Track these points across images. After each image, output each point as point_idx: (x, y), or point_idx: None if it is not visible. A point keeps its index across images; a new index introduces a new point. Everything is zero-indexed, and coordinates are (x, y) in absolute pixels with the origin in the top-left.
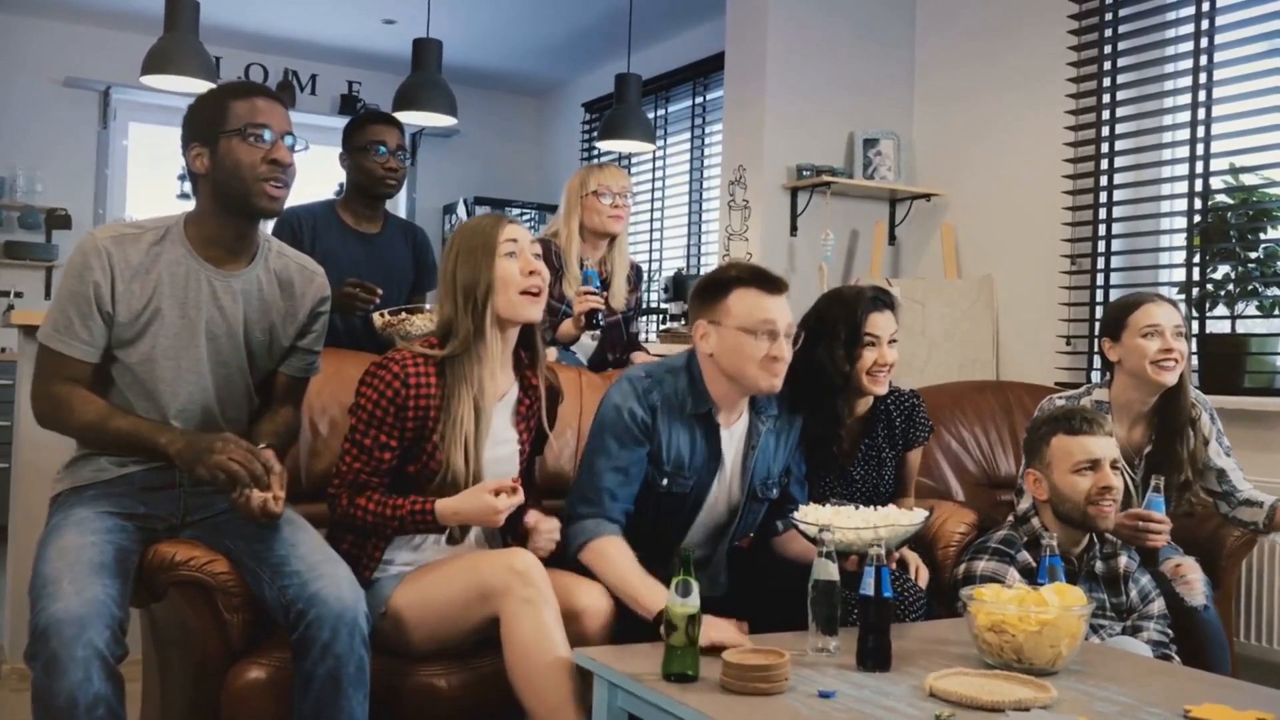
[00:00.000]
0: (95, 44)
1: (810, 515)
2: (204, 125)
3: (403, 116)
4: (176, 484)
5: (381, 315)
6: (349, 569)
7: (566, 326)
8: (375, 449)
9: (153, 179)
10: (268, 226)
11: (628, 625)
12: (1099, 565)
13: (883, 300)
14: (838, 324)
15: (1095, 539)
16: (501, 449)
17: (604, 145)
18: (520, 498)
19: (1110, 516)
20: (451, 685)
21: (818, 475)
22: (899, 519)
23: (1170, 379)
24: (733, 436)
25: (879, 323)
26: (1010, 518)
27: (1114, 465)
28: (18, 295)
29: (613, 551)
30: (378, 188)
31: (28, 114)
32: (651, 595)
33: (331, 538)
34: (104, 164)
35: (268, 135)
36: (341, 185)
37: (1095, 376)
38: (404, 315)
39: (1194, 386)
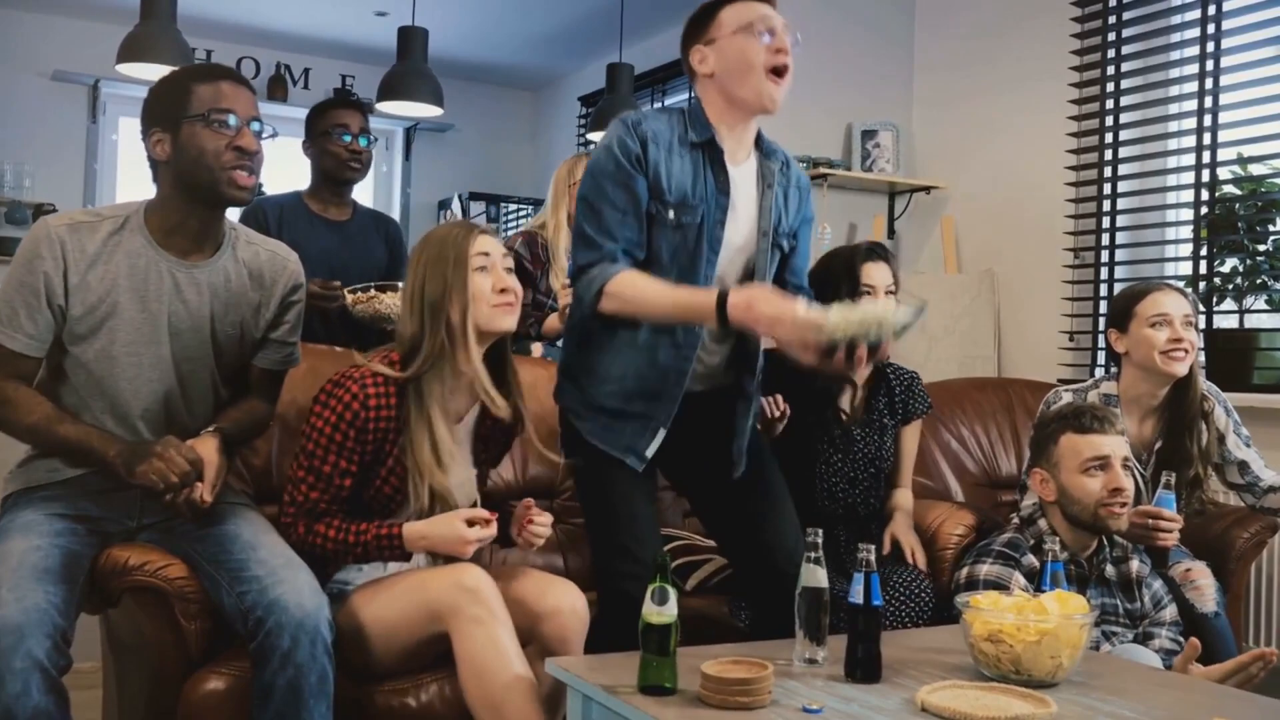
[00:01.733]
0: (83, 37)
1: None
2: (165, 110)
3: (390, 107)
4: (131, 485)
5: (351, 292)
6: (311, 574)
7: (552, 321)
8: (335, 475)
9: (142, 174)
10: (236, 215)
11: (609, 626)
12: (1110, 569)
13: (877, 252)
14: (839, 278)
15: (1105, 541)
16: (462, 471)
17: (596, 137)
18: (494, 530)
19: (1123, 518)
20: (421, 703)
21: (821, 434)
22: (887, 307)
23: (1181, 369)
24: (743, 175)
25: (873, 273)
26: (1014, 519)
27: (1125, 465)
28: None
29: (634, 279)
30: (342, 172)
31: (15, 108)
32: (704, 293)
33: None
34: (93, 158)
35: (232, 121)
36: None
37: (1099, 372)
38: (374, 293)
39: (1203, 379)
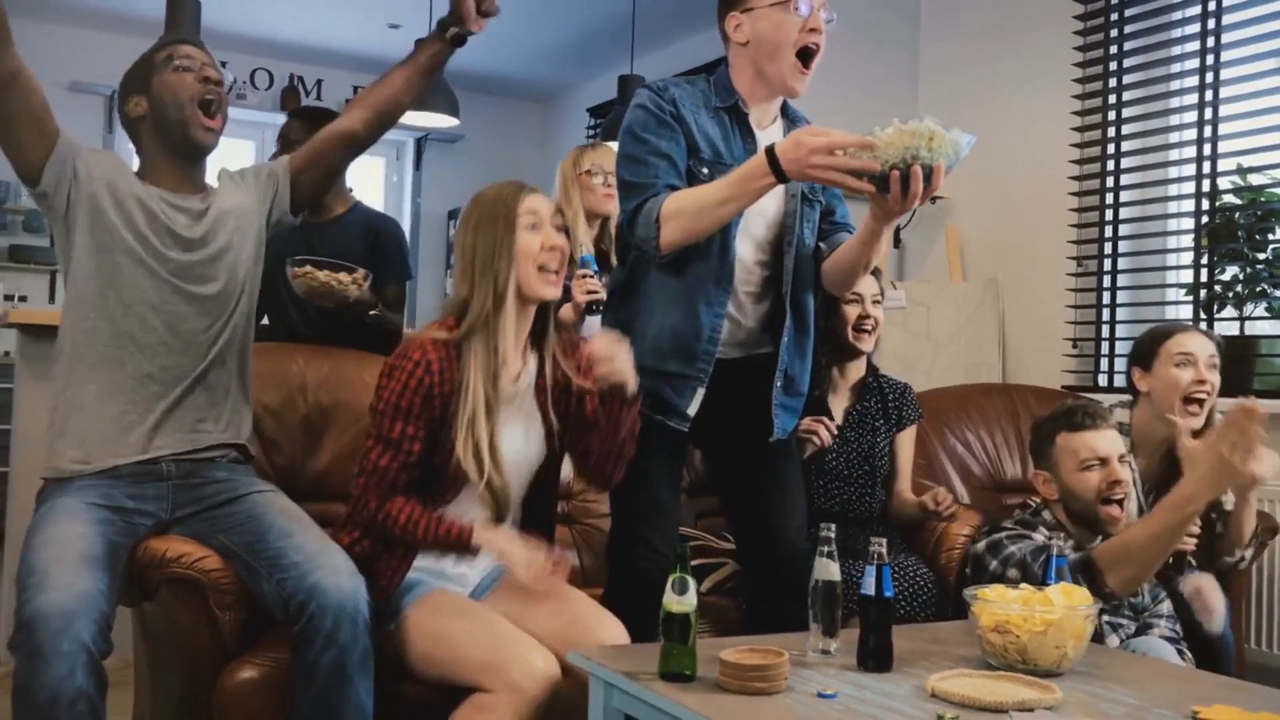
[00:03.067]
0: (101, 48)
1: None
2: (137, 76)
3: (406, 117)
4: (165, 476)
5: (293, 264)
6: (346, 557)
7: (565, 312)
8: (404, 441)
9: None
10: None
11: (619, 600)
12: None
13: None
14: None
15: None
16: (517, 431)
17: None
18: (562, 578)
19: (1121, 520)
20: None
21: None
22: (934, 126)
23: (1196, 423)
24: (769, 138)
25: (860, 283)
26: (1018, 511)
27: (1121, 459)
28: (21, 299)
29: (683, 193)
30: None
31: None
32: (748, 165)
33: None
34: None
35: (194, 64)
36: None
37: (1102, 379)
38: (309, 268)
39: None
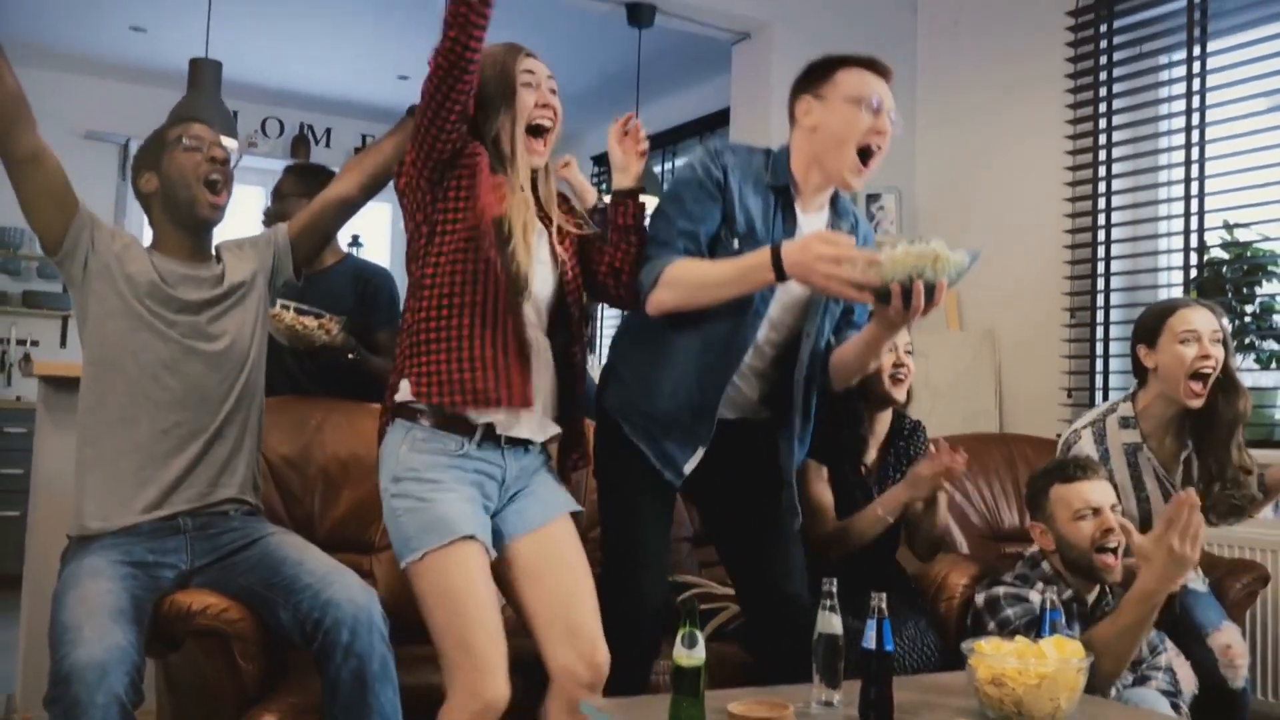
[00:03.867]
0: (116, 98)
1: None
2: (149, 154)
3: None
4: (182, 530)
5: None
6: (357, 576)
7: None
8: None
9: None
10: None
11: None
12: None
13: None
14: None
15: (1108, 589)
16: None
17: None
18: None
19: (1116, 569)
20: None
21: (845, 488)
22: (942, 246)
23: (1196, 403)
24: (811, 225)
25: None
26: (1019, 562)
27: (1113, 507)
28: (34, 344)
29: (689, 262)
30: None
31: None
32: (759, 252)
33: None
34: (122, 214)
35: (202, 144)
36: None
37: None
38: (277, 311)
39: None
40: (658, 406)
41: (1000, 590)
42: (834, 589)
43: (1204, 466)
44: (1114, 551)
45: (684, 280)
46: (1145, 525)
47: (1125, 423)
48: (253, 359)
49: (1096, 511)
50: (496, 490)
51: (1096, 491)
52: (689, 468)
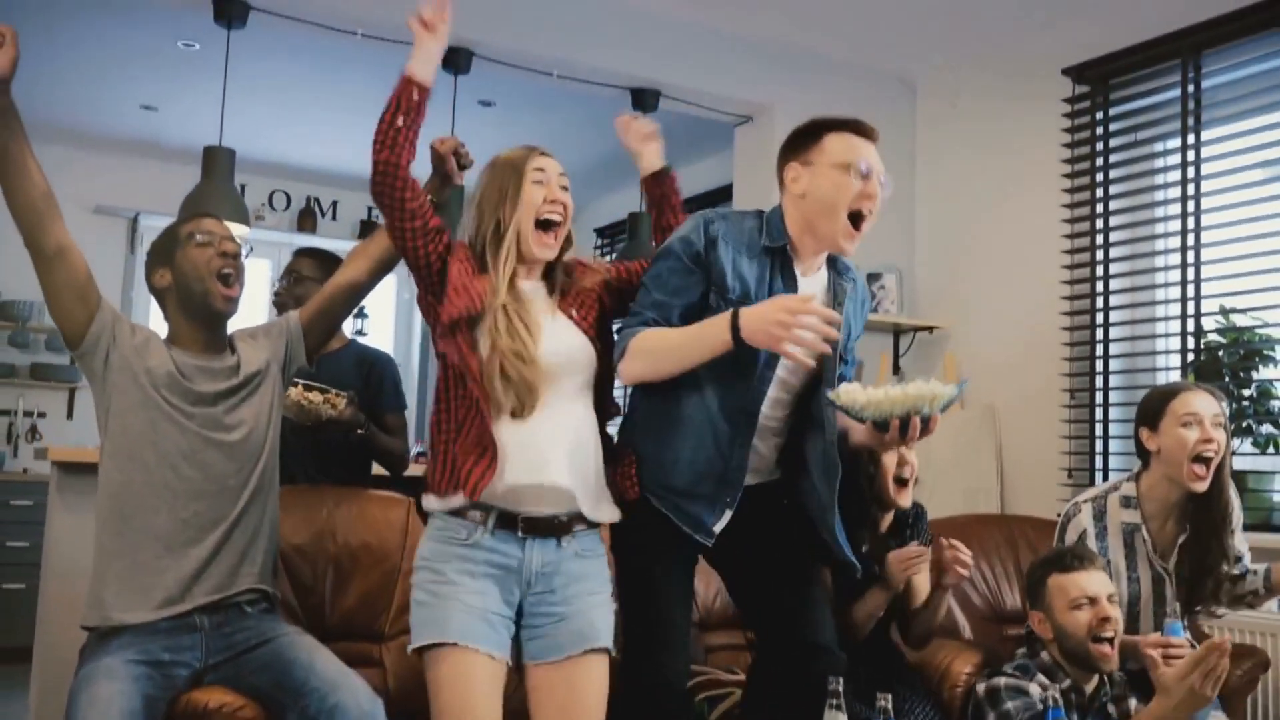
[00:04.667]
0: (124, 173)
1: (847, 394)
2: (162, 250)
3: None
4: (198, 628)
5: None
6: (364, 681)
7: None
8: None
9: None
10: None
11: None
12: (1110, 707)
13: None
14: None
15: (1106, 679)
16: (561, 336)
17: None
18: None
19: (1112, 659)
20: None
21: (850, 583)
22: (936, 385)
23: (1200, 487)
24: (811, 286)
25: None
26: (1021, 650)
27: (1110, 599)
28: (40, 415)
29: (653, 331)
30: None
31: None
32: (713, 320)
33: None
34: (130, 287)
35: (214, 239)
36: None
37: None
38: (300, 388)
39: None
40: (677, 481)
41: (1001, 681)
42: (840, 688)
43: (1199, 553)
44: (1110, 641)
45: (647, 349)
46: (1133, 606)
47: (1127, 502)
48: (268, 447)
49: (1093, 601)
50: (517, 584)
51: (1093, 581)
52: (719, 527)
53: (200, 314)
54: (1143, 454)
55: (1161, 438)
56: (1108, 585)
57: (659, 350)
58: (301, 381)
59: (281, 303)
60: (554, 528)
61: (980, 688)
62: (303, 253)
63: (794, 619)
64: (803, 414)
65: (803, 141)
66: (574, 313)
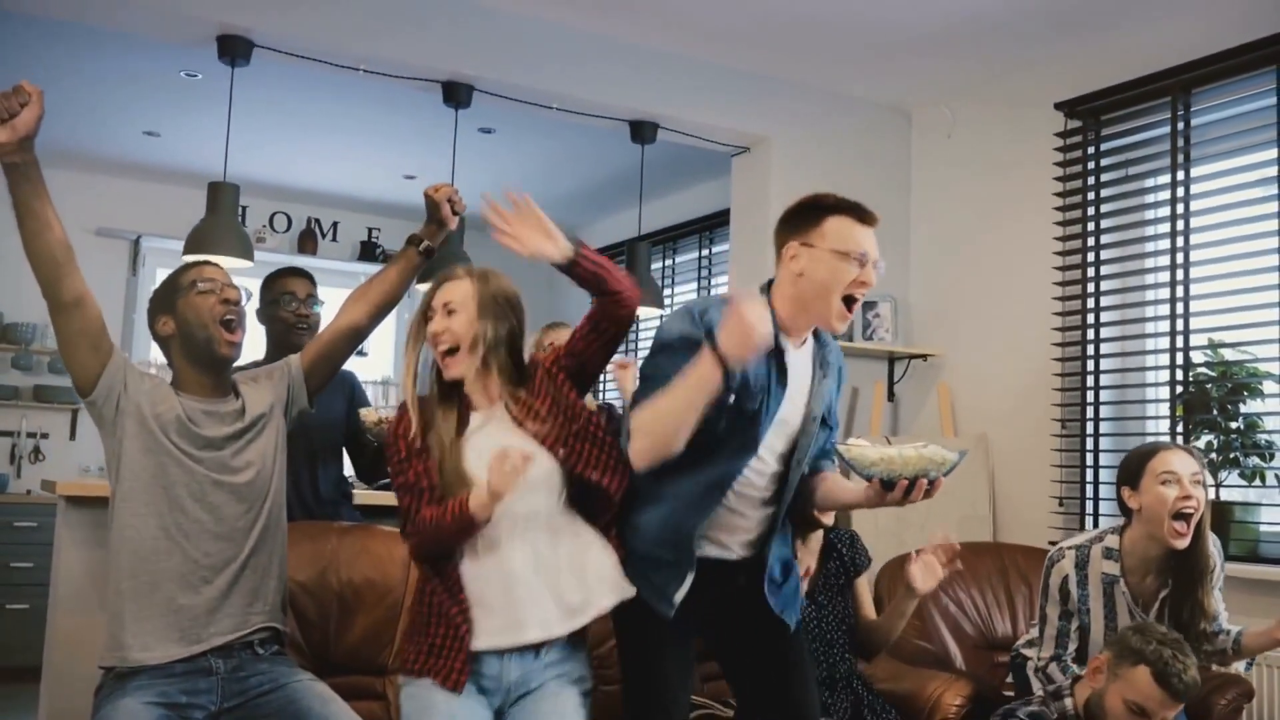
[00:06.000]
0: (126, 195)
1: (858, 449)
2: (164, 298)
3: (423, 287)
4: (214, 671)
5: (375, 412)
6: None
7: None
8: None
9: None
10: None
11: None
12: None
13: None
14: None
15: None
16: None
17: None
18: (526, 467)
19: (1185, 538)
20: None
21: None
22: (938, 450)
23: (1181, 544)
24: (799, 360)
25: None
26: (1042, 692)
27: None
28: (44, 436)
29: (645, 405)
30: (290, 335)
31: None
32: (701, 366)
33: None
34: (132, 309)
35: (215, 286)
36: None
37: None
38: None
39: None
40: (639, 547)
41: None
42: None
43: (1178, 607)
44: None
45: (647, 420)
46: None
47: (1109, 554)
48: (275, 486)
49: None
50: (497, 694)
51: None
52: (679, 597)
53: (204, 360)
54: (1125, 511)
55: (1142, 496)
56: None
57: (658, 414)
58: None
59: (304, 329)
60: (532, 647)
61: None
62: (302, 274)
63: (783, 707)
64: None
65: (804, 221)
66: (529, 426)
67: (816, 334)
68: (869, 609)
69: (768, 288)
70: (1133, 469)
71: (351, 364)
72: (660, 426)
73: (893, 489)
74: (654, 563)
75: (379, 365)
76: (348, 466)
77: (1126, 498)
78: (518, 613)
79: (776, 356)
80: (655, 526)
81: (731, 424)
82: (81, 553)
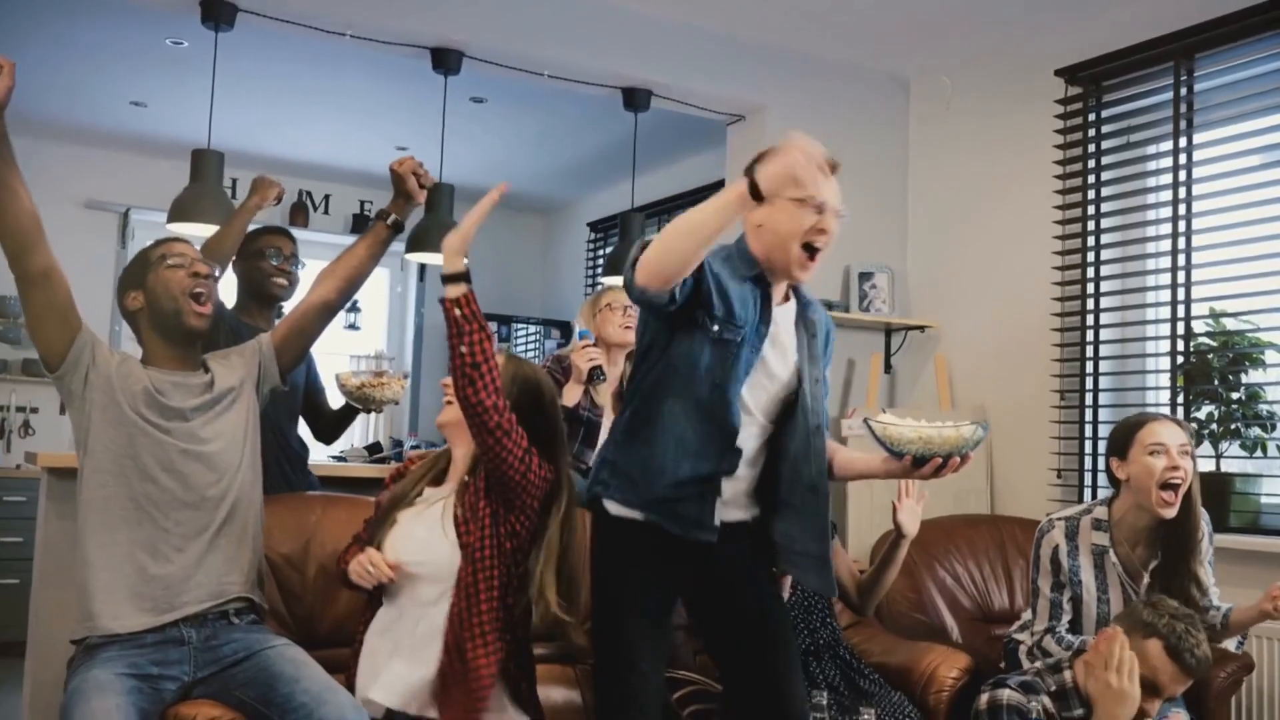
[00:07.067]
0: (116, 168)
1: (893, 428)
2: (133, 274)
3: (417, 258)
4: (186, 641)
5: (357, 376)
6: (350, 695)
7: (570, 388)
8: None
9: None
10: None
11: None
12: None
13: None
14: None
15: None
16: (420, 535)
17: (608, 280)
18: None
19: (1174, 508)
20: None
21: None
22: (965, 427)
23: (1170, 513)
24: (782, 315)
25: None
26: (1038, 663)
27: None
28: (33, 411)
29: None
30: (267, 285)
31: (49, 235)
32: (730, 191)
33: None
34: None
35: (185, 261)
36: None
37: None
38: (385, 380)
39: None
40: (657, 491)
41: (1004, 695)
42: (824, 701)
43: (1168, 577)
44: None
45: (666, 232)
46: (1103, 625)
47: (1098, 525)
48: (247, 460)
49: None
50: None
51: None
52: (717, 519)
53: (173, 332)
54: (1114, 482)
55: (1130, 466)
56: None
57: (677, 229)
58: (376, 374)
59: (284, 283)
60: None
61: (983, 699)
62: (289, 234)
63: (766, 687)
64: (776, 449)
65: None
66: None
67: (797, 294)
68: (848, 568)
69: (734, 247)
70: (1121, 440)
71: (345, 338)
72: (677, 239)
73: (923, 465)
74: (677, 500)
75: (372, 339)
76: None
77: (1115, 468)
78: (372, 669)
79: (762, 289)
80: (678, 463)
81: (712, 362)
82: (65, 525)
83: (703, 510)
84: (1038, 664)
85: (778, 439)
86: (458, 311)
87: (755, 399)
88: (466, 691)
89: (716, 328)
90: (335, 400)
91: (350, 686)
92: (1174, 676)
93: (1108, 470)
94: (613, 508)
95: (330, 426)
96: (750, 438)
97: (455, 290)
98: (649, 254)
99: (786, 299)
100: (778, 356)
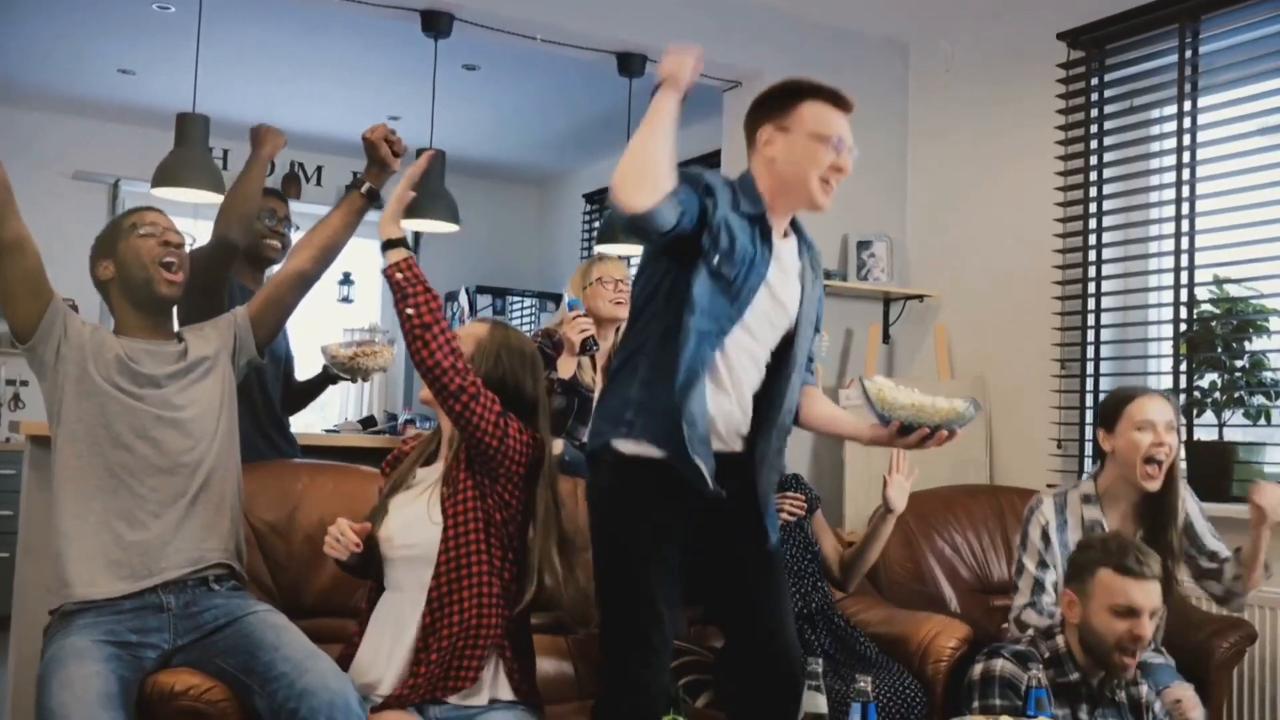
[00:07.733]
0: (104, 138)
1: (888, 390)
2: (105, 243)
3: (408, 224)
4: (165, 608)
5: (346, 348)
6: (332, 661)
7: (564, 360)
8: None
9: None
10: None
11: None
12: (1120, 694)
13: None
14: None
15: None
16: (409, 513)
17: (602, 248)
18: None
19: (1131, 668)
20: None
21: None
22: (957, 401)
23: (1154, 485)
24: (785, 251)
25: None
26: (1030, 631)
27: (1152, 614)
28: (23, 384)
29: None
30: (259, 248)
31: (37, 206)
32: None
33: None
34: None
35: (156, 230)
36: None
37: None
38: (376, 349)
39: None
40: (700, 432)
41: (997, 666)
42: (819, 668)
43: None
44: (1134, 655)
45: (623, 162)
46: None
47: (1087, 499)
48: (222, 429)
49: (1136, 613)
50: None
51: (1144, 594)
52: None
53: (145, 301)
54: (1100, 454)
55: (1117, 439)
56: (1156, 599)
57: (630, 153)
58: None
59: (278, 245)
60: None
61: (977, 668)
62: (283, 196)
63: (757, 620)
64: (771, 387)
65: (779, 104)
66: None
67: (798, 231)
68: (832, 543)
69: (738, 180)
70: (1110, 412)
71: (337, 310)
72: (634, 153)
73: (909, 434)
74: (705, 443)
75: (366, 313)
76: None
77: (1101, 440)
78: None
79: (760, 224)
80: (698, 410)
81: (711, 297)
82: (48, 495)
83: (707, 456)
84: (1029, 633)
85: (771, 372)
86: (399, 275)
87: (762, 333)
88: (447, 666)
89: (717, 260)
90: (303, 373)
91: (345, 665)
92: (1138, 591)
93: (1094, 440)
94: (628, 447)
95: (297, 399)
96: (756, 369)
97: (395, 255)
98: (619, 170)
99: (786, 235)
100: (786, 290)
